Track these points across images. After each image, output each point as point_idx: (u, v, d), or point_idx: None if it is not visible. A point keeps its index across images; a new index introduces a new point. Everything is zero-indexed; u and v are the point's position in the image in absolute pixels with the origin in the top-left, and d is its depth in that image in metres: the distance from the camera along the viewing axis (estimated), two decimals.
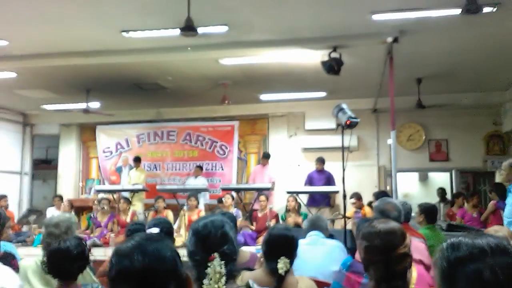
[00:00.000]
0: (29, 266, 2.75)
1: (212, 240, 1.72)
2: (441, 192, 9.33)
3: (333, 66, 6.23)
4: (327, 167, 9.01)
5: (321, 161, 8.97)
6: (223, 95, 8.71)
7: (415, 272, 2.14)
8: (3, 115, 10.72)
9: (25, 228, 8.58)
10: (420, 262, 2.55)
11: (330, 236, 3.80)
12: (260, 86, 8.77)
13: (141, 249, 1.13)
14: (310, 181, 8.96)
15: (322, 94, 9.20)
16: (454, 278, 0.99)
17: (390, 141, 6.55)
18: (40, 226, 7.92)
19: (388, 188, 9.21)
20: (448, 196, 9.36)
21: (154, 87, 8.78)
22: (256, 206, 8.34)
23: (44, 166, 11.97)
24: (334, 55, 6.26)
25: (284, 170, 9.93)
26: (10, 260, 2.97)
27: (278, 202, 9.14)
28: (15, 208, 10.41)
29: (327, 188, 8.40)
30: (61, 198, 9.15)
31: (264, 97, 9.54)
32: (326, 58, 6.27)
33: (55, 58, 6.96)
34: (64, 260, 2.30)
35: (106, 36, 6.23)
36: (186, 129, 10.64)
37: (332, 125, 9.51)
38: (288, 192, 8.15)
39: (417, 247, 2.41)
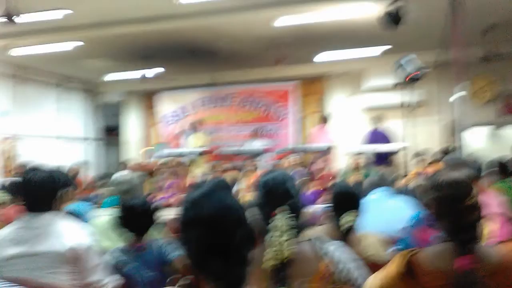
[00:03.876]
0: (101, 224, 2.89)
1: (276, 194, 1.71)
2: None
3: (392, 19, 5.92)
4: (389, 125, 8.75)
5: (377, 119, 8.69)
6: (278, 56, 8.58)
7: (488, 227, 2.03)
8: (71, 85, 11.21)
9: (95, 192, 9.05)
10: (500, 215, 2.40)
11: (396, 193, 3.69)
12: (315, 45, 8.54)
13: (210, 197, 1.16)
14: (368, 141, 8.73)
15: (381, 49, 8.82)
16: None
17: (456, 96, 6.21)
18: (109, 189, 8.32)
19: (454, 145, 8.82)
20: None
21: (209, 52, 8.80)
22: (315, 167, 8.28)
23: (109, 133, 12.47)
24: (393, 6, 5.93)
25: (343, 131, 9.75)
26: (79, 219, 3.13)
27: (338, 163, 9.04)
28: (85, 173, 10.99)
29: (388, 147, 8.16)
30: (127, 163, 9.53)
31: (320, 56, 9.30)
32: (384, 11, 5.96)
33: (115, 26, 7.10)
34: (133, 216, 2.38)
35: (161, 1, 6.26)
36: (242, 93, 10.66)
37: (393, 81, 9.20)
38: (348, 153, 8.02)
39: (492, 202, 2.28)
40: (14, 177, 7.01)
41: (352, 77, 9.99)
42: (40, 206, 2.23)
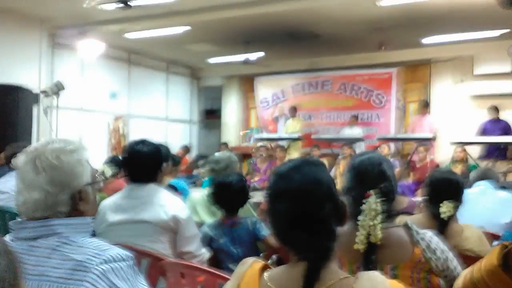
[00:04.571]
0: (197, 199, 3.03)
1: (369, 176, 1.66)
2: None
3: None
4: (503, 116, 8.09)
5: (494, 109, 8.06)
6: (380, 40, 8.27)
7: None
8: (175, 69, 11.81)
9: (195, 172, 9.50)
10: None
11: (503, 188, 3.42)
12: (422, 28, 8.08)
13: (298, 170, 1.17)
14: (483, 132, 8.12)
15: (495, 33, 8.11)
16: None
17: None
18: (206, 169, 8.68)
19: None
20: None
21: (308, 36, 8.73)
22: (415, 157, 7.92)
23: (210, 116, 12.97)
24: None
25: (448, 120, 9.19)
26: (177, 193, 3.31)
27: (442, 154, 8.56)
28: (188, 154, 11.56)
29: (501, 139, 7.53)
30: (226, 145, 9.86)
31: (426, 40, 8.79)
32: None
33: (221, 11, 7.29)
34: (227, 192, 2.46)
35: None
36: (341, 78, 10.44)
37: (508, 68, 8.46)
38: (454, 143, 7.54)
39: None
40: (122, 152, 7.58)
41: (461, 62, 9.33)
42: (145, 177, 2.37)
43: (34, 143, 1.42)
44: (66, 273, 1.19)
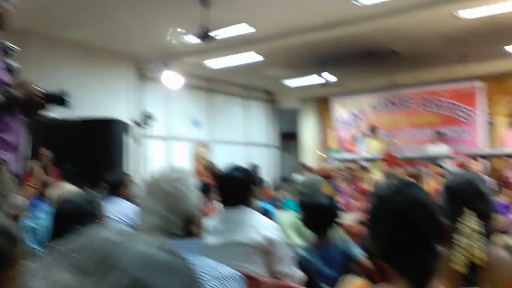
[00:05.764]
0: (286, 221, 3.11)
1: (465, 195, 1.65)
2: None
3: None
4: None
5: None
6: (463, 52, 7.97)
7: None
8: (253, 94, 12.13)
9: (277, 194, 9.60)
10: None
11: None
12: (506, 38, 7.70)
13: (399, 192, 1.21)
14: None
15: None
16: None
17: None
18: (289, 192, 8.75)
19: None
20: None
21: (386, 54, 8.62)
22: (509, 174, 7.46)
23: (288, 139, 13.10)
24: None
25: None
26: (266, 215, 3.40)
27: None
28: (266, 177, 11.71)
29: None
30: (307, 166, 9.89)
31: None
32: None
33: (293, 37, 7.46)
34: (316, 213, 2.51)
35: (337, 5, 6.38)
36: (422, 94, 10.16)
37: None
38: None
39: None
40: (207, 179, 7.86)
41: None
42: (238, 200, 2.49)
43: (151, 173, 1.59)
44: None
